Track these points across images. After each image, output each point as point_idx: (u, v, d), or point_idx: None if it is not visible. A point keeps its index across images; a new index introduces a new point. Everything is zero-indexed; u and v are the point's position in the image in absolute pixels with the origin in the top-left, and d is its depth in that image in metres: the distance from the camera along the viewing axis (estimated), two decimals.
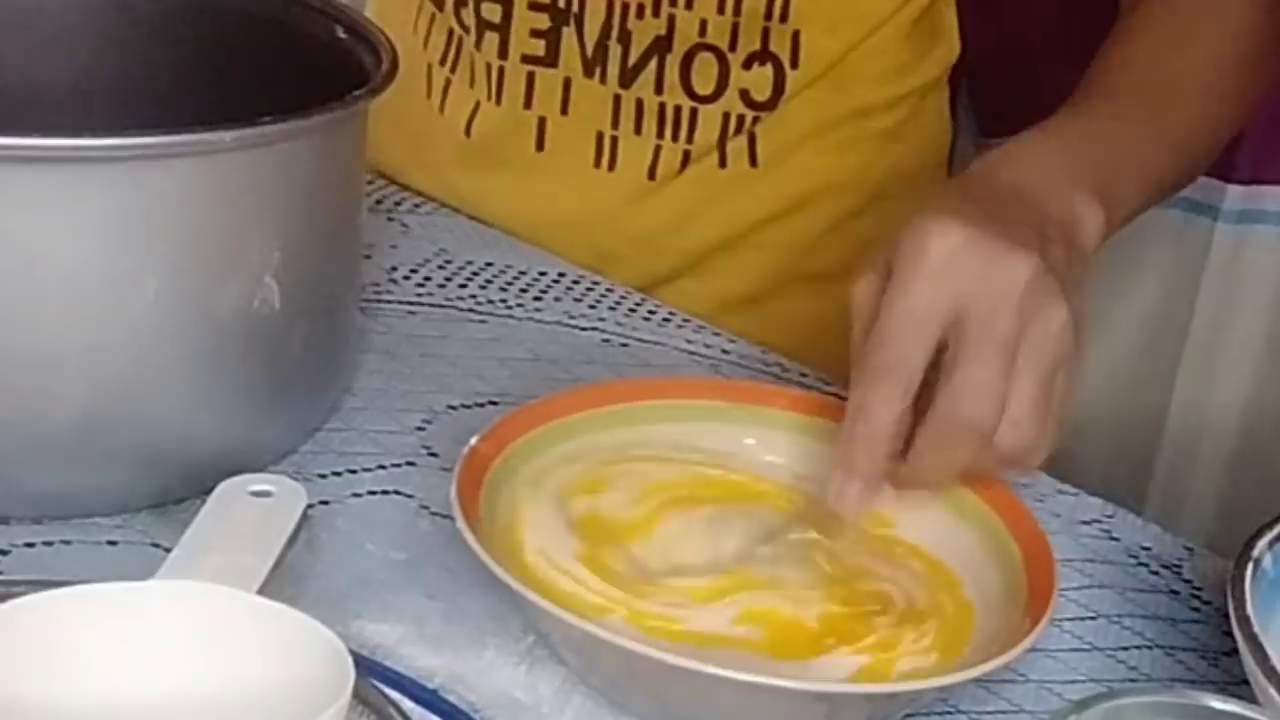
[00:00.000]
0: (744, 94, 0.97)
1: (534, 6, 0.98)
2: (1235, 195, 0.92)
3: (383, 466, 0.77)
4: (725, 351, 0.92)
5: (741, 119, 0.98)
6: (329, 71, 0.76)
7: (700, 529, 0.70)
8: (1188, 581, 0.77)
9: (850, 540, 0.70)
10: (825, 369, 0.88)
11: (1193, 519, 1.00)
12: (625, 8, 0.96)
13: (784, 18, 0.95)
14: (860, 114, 1.01)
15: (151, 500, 0.72)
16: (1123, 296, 0.96)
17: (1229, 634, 0.64)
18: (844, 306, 0.97)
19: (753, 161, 0.99)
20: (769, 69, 0.96)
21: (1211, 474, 0.99)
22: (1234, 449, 0.98)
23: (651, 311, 0.95)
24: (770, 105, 0.98)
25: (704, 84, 0.97)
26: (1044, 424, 0.68)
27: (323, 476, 0.76)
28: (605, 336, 0.91)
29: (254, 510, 0.64)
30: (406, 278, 0.94)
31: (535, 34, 0.99)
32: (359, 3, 0.97)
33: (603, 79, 0.98)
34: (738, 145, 0.99)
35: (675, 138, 0.98)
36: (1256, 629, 0.62)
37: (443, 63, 1.03)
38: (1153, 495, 0.98)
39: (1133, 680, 0.71)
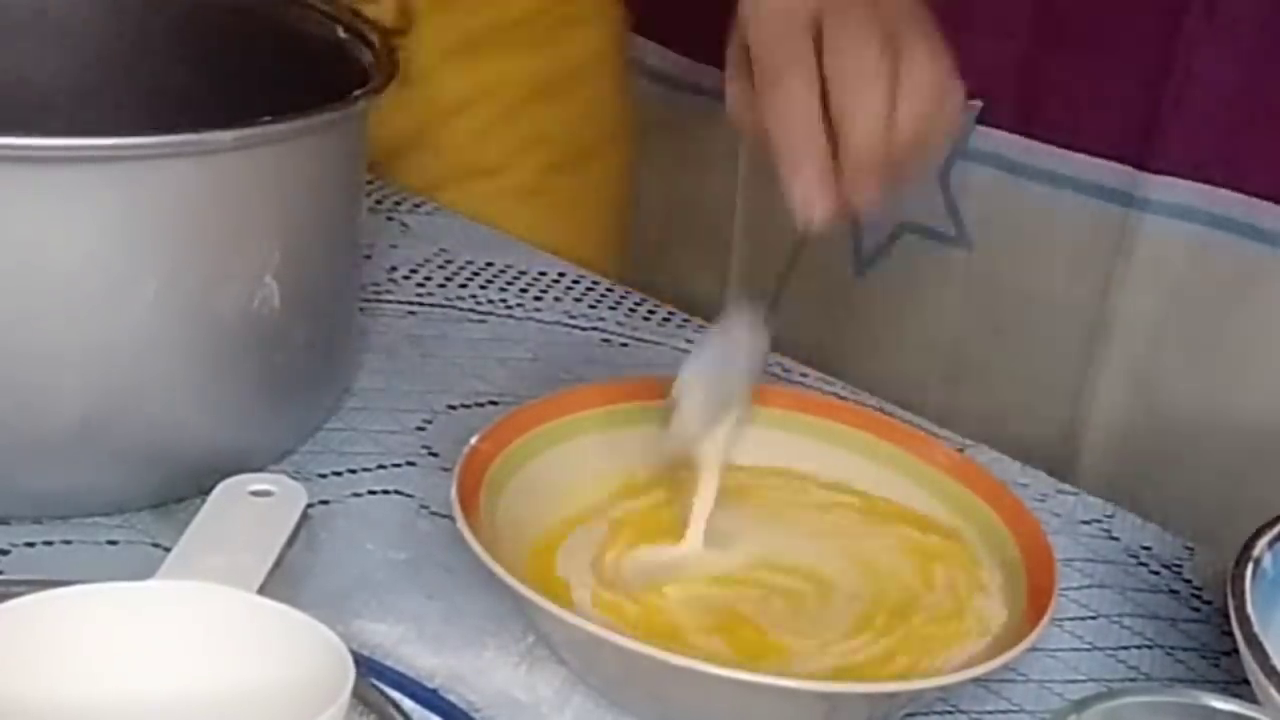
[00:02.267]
0: None
1: None
2: (1147, 184, 0.93)
3: (383, 466, 0.77)
4: None
5: None
6: (329, 71, 0.76)
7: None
8: (1188, 581, 0.77)
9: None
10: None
11: (1185, 519, 1.00)
12: None
13: None
14: (499, 28, 1.06)
15: (151, 500, 0.72)
16: (1117, 299, 0.96)
17: (1229, 634, 0.64)
18: (515, 190, 1.04)
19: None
20: None
21: (1206, 473, 0.99)
22: (1228, 449, 0.98)
23: (651, 311, 0.95)
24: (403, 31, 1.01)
25: None
26: (941, 74, 0.68)
27: (323, 476, 0.76)
28: (605, 336, 0.91)
29: (254, 510, 0.64)
30: (406, 278, 0.94)
31: None
32: None
33: None
34: None
35: None
36: (1256, 629, 0.62)
37: None
38: (1147, 494, 0.98)
39: (1133, 680, 0.71)
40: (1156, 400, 1.00)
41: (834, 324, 1.00)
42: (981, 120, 0.92)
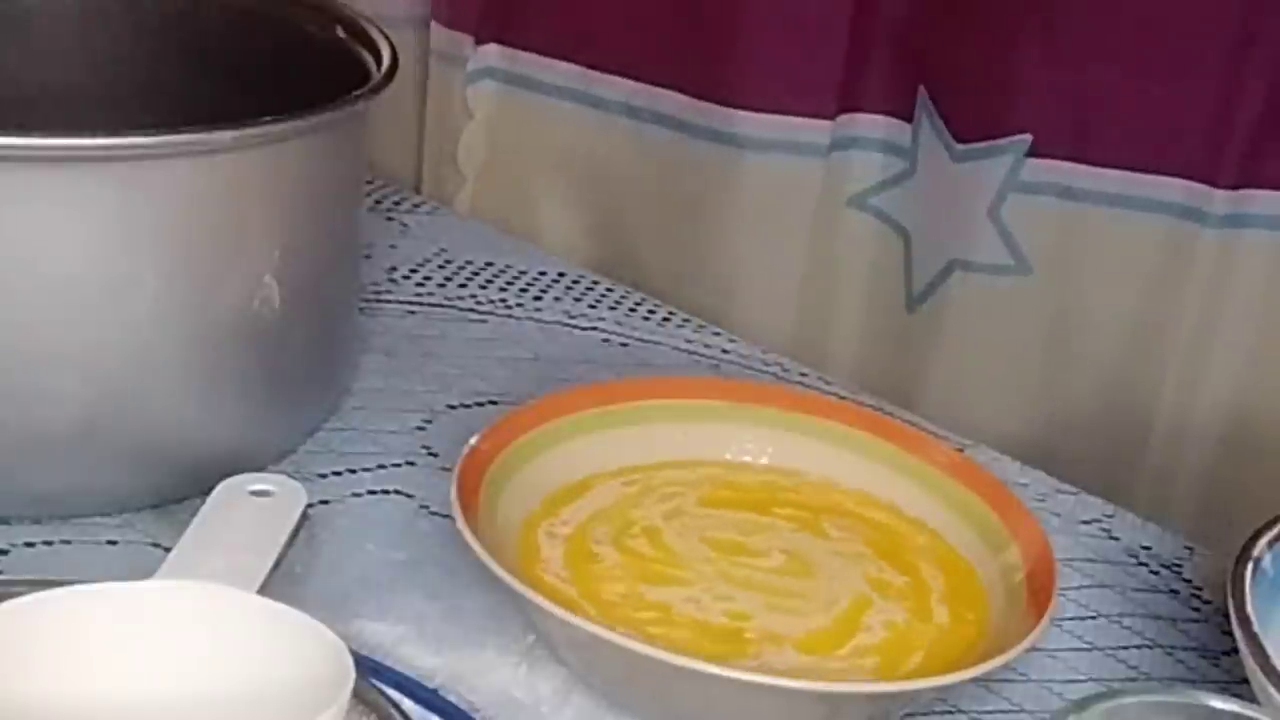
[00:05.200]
0: None
1: None
2: (1221, 200, 0.92)
3: (383, 466, 0.77)
4: (725, 351, 0.92)
5: None
6: (329, 71, 0.76)
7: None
8: (1188, 581, 0.77)
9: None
10: None
11: (1180, 519, 1.00)
12: None
13: None
14: None
15: (151, 500, 0.72)
16: (1109, 297, 0.96)
17: (1229, 634, 0.64)
18: None
19: None
20: None
21: (1198, 473, 0.99)
22: (1218, 451, 0.98)
23: (651, 311, 0.95)
24: None
25: None
26: None
27: (323, 476, 0.76)
28: (605, 336, 0.91)
29: (254, 510, 0.64)
30: (406, 278, 0.94)
31: None
32: None
33: None
34: None
35: None
36: (1256, 628, 0.62)
37: None
38: (1139, 494, 0.98)
39: (1133, 679, 0.71)
40: (1142, 400, 0.99)
41: (888, 358, 0.99)
42: (1031, 153, 0.91)
